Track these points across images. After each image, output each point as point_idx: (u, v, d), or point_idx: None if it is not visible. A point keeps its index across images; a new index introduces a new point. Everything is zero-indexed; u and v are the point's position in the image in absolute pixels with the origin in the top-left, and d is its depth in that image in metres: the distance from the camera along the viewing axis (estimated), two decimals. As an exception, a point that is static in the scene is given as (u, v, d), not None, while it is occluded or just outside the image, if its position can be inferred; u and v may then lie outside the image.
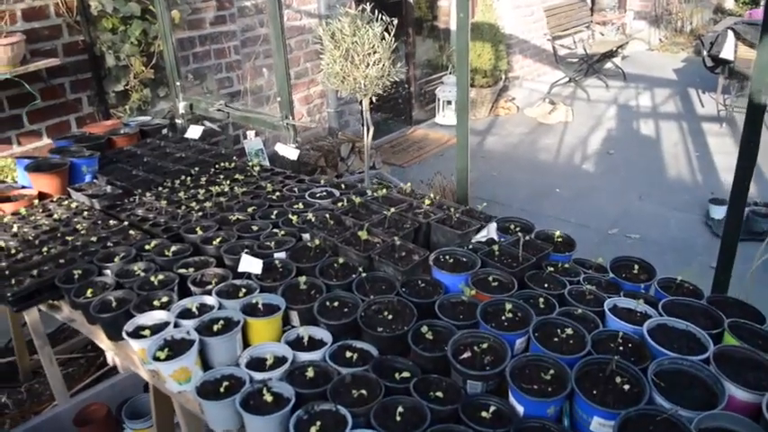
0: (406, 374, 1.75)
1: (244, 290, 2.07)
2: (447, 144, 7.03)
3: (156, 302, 2.03)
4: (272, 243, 2.30)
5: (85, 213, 2.73)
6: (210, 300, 2.03)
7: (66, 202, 2.87)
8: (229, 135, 4.72)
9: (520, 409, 1.64)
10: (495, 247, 2.21)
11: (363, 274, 2.10)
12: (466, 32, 2.50)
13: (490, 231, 2.19)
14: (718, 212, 5.19)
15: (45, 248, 2.43)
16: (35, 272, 2.26)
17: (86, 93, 3.99)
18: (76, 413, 2.94)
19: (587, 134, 7.31)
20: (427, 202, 2.50)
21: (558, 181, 6.15)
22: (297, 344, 1.90)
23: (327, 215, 2.40)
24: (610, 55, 8.98)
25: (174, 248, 2.33)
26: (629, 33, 10.36)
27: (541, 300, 2.00)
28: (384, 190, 2.60)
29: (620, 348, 1.80)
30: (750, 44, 6.30)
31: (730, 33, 6.45)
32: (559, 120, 7.62)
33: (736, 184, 2.00)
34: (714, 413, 1.55)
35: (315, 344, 1.90)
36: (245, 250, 2.26)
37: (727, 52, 6.52)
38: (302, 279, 2.07)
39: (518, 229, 2.46)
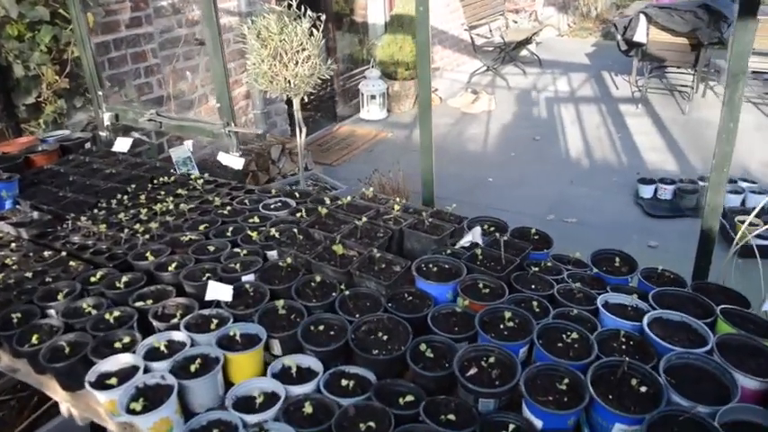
0: (410, 398, 1.63)
1: (215, 321, 1.87)
2: (375, 139, 6.93)
3: (117, 344, 1.80)
4: (237, 265, 2.11)
5: (13, 245, 2.42)
6: (180, 335, 1.82)
7: (-14, 234, 2.54)
8: (153, 144, 4.40)
9: (538, 423, 1.55)
10: (478, 251, 2.11)
11: (346, 292, 1.94)
12: (426, 27, 2.39)
13: (475, 235, 2.09)
14: (647, 192, 5.37)
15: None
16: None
17: (-8, 108, 3.59)
18: (16, 467, 2.64)
19: (512, 121, 7.40)
20: (396, 207, 2.37)
21: (490, 171, 6.17)
22: (284, 376, 1.72)
23: (296, 229, 2.23)
24: (525, 42, 9.14)
25: (125, 279, 2.09)
26: (541, 20, 10.61)
27: (535, 303, 1.92)
28: (349, 197, 2.44)
29: (623, 347, 1.75)
30: (662, 27, 6.55)
31: (642, 17, 6.69)
32: (483, 109, 7.67)
33: (716, 169, 1.99)
34: (733, 407, 1.52)
35: (303, 374, 1.74)
36: (208, 275, 2.06)
37: (640, 35, 6.76)
38: (280, 303, 1.89)
39: (492, 228, 2.38)
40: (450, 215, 2.42)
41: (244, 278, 2.03)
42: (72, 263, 2.24)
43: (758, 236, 4.23)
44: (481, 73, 8.83)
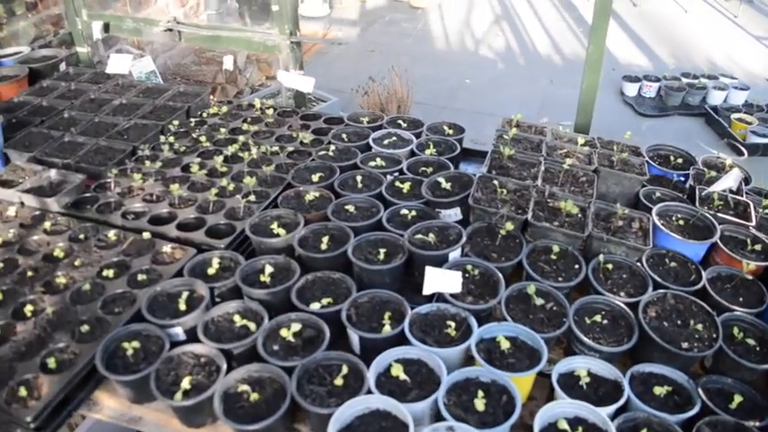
0: (739, 399, 1.24)
1: (451, 324, 1.31)
2: (326, 40, 6.11)
3: (336, 380, 1.21)
4: (430, 236, 1.50)
5: (47, 224, 1.64)
6: (415, 352, 1.26)
7: (-11, 209, 1.72)
8: (102, 56, 3.42)
9: None
10: (715, 195, 1.67)
11: (608, 265, 1.45)
12: None
13: (735, 180, 1.63)
14: (631, 89, 5.15)
15: (27, 312, 1.38)
16: (52, 378, 1.26)
17: None
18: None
19: (467, 16, 6.82)
20: (581, 140, 1.85)
21: (463, 70, 5.66)
22: (572, 388, 1.24)
23: (495, 180, 1.63)
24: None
25: (267, 268, 1.45)
26: None
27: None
28: (514, 129, 1.88)
29: None
30: None
31: None
32: (432, 1, 7.01)
33: None
34: None
35: (596, 385, 1.27)
36: (383, 251, 1.47)
37: None
38: (531, 288, 1.36)
39: (679, 159, 1.94)
40: (623, 145, 1.95)
41: (451, 255, 1.46)
42: (166, 248, 1.54)
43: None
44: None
